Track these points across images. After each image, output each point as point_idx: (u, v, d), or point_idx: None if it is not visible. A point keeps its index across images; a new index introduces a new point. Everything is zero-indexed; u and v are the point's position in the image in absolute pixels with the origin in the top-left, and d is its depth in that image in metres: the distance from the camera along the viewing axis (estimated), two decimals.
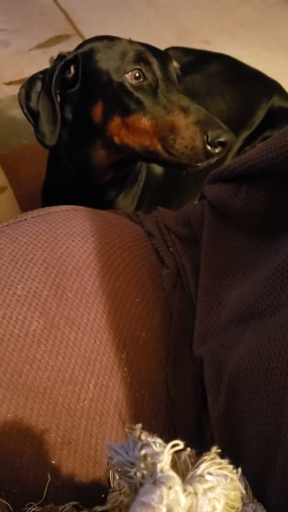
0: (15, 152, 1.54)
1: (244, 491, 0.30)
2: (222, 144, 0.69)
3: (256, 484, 0.42)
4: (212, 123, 0.69)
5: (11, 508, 0.48)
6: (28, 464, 0.50)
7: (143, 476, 0.30)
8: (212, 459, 0.29)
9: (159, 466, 0.27)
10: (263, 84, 1.20)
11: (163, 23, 2.02)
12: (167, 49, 1.31)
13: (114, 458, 0.32)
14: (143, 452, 0.29)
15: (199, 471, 0.28)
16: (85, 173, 0.85)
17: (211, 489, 0.27)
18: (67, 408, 0.53)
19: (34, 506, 0.48)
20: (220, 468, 0.29)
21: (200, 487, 0.27)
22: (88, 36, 0.89)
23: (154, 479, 0.27)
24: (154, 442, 0.30)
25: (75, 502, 0.49)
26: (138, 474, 0.30)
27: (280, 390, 0.39)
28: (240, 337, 0.50)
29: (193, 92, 1.09)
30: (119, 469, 0.31)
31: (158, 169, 0.99)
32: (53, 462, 0.51)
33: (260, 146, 0.48)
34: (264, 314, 0.45)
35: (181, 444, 0.28)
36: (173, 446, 0.28)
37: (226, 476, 0.28)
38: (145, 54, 0.77)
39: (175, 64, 0.82)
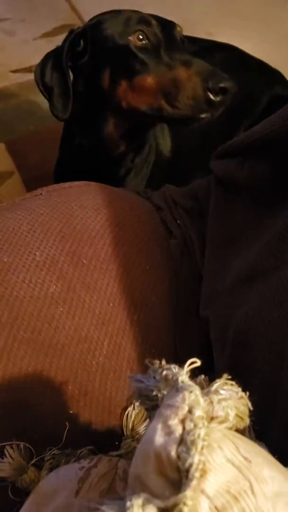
0: (22, 138, 1.57)
1: (251, 408, 0.34)
2: (222, 90, 0.71)
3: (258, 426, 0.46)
4: (213, 71, 0.72)
5: (33, 451, 0.52)
6: (48, 412, 0.54)
7: (163, 397, 0.34)
8: (224, 381, 0.33)
9: (180, 378, 0.31)
10: (265, 73, 1.23)
11: (167, 14, 2.05)
12: None
13: (136, 386, 0.36)
14: (164, 373, 0.33)
15: (213, 387, 0.32)
16: (98, 146, 0.89)
17: (224, 399, 0.31)
18: (83, 363, 0.57)
19: (54, 450, 0.52)
20: (231, 386, 0.33)
21: (215, 397, 0.31)
22: None
23: (177, 388, 0.31)
24: (174, 367, 0.34)
25: (91, 447, 0.53)
26: (160, 395, 0.34)
27: (281, 336, 0.43)
28: (245, 296, 0.54)
29: None
30: (142, 395, 0.35)
31: (167, 151, 1.03)
32: (71, 411, 0.55)
33: (265, 121, 0.52)
34: (267, 273, 0.49)
35: (198, 362, 0.32)
36: (191, 363, 0.32)
37: (236, 393, 0.33)
38: (147, 17, 0.81)
39: (178, 28, 0.85)
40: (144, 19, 0.80)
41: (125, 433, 0.55)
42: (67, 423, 0.54)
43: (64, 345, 0.57)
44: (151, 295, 0.63)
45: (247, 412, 0.33)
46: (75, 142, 0.92)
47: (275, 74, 1.25)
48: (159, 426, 0.29)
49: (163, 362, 0.36)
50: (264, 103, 1.17)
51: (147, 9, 2.07)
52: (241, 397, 0.33)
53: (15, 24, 2.02)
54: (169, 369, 0.34)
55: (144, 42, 0.79)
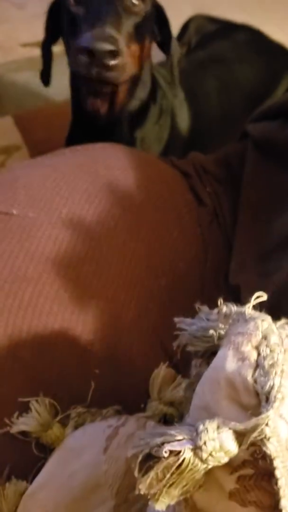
0: (30, 113, 1.54)
1: None
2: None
3: None
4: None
5: (58, 408, 0.50)
6: (73, 371, 0.53)
7: (220, 337, 0.32)
8: (286, 321, 0.32)
9: (246, 311, 0.30)
10: (286, 56, 1.22)
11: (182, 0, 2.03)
12: (193, 17, 1.33)
13: (187, 328, 0.34)
14: (224, 309, 0.32)
15: (278, 323, 0.31)
16: (86, 112, 0.86)
17: None
18: (109, 324, 0.55)
19: (79, 408, 0.51)
20: None
21: (284, 332, 0.29)
22: None
23: (245, 318, 0.30)
24: (232, 304, 0.33)
25: (118, 407, 0.52)
26: (216, 334, 0.32)
27: None
28: (280, 263, 0.53)
29: (222, 58, 1.11)
30: (196, 337, 0.34)
31: (184, 130, 1.00)
32: (97, 371, 0.53)
33: None
34: None
35: (265, 295, 0.31)
36: (257, 297, 0.31)
37: None
38: None
39: None
40: None
41: (151, 395, 0.54)
42: (92, 383, 0.52)
43: (91, 305, 0.55)
44: (179, 262, 0.62)
45: None
46: (78, 111, 0.90)
47: None
48: (230, 353, 0.28)
49: (221, 300, 0.34)
50: (285, 85, 1.16)
51: None
52: None
53: None
54: (228, 306, 0.33)
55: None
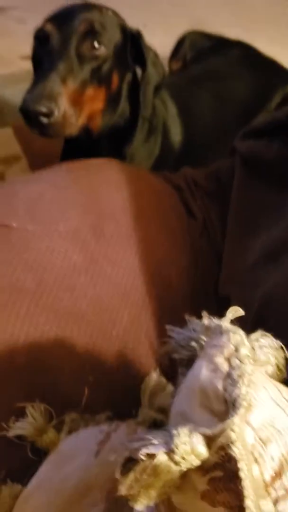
0: None
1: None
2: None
3: None
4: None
5: (53, 413, 0.52)
6: (68, 378, 0.55)
7: (202, 347, 0.34)
8: (262, 332, 0.34)
9: (223, 324, 0.33)
10: (279, 71, 1.26)
11: (177, 12, 2.07)
12: (188, 33, 1.36)
13: (176, 337, 0.37)
14: (206, 322, 0.34)
15: (253, 337, 0.33)
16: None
17: (265, 346, 0.32)
18: (103, 332, 0.58)
19: (73, 414, 0.53)
20: (269, 338, 0.34)
21: (256, 344, 0.32)
22: None
23: (221, 331, 0.32)
24: (214, 318, 0.35)
25: (110, 413, 0.54)
26: (198, 345, 0.34)
27: None
28: (267, 274, 0.55)
29: (216, 73, 1.14)
30: (181, 345, 0.36)
31: (176, 143, 1.03)
32: (90, 379, 0.55)
33: None
34: None
35: (241, 310, 0.33)
36: (233, 311, 0.33)
37: (275, 343, 0.34)
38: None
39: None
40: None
41: (142, 402, 0.56)
42: (86, 390, 0.54)
43: (85, 314, 0.58)
44: (171, 272, 0.64)
45: (283, 363, 0.34)
46: None
47: (287, 73, 1.27)
48: (205, 364, 0.30)
49: (204, 313, 0.37)
50: (277, 99, 1.19)
51: (157, 9, 2.09)
52: (279, 348, 0.34)
53: (25, 12, 2.02)
54: (210, 319, 0.35)
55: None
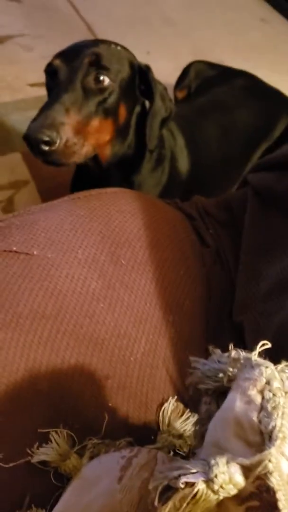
0: None
1: None
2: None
3: None
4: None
5: (75, 438, 0.53)
6: (89, 404, 0.56)
7: (229, 379, 0.36)
8: (286, 364, 0.36)
9: (253, 357, 0.34)
10: (282, 101, 1.30)
11: (180, 41, 2.13)
12: (193, 62, 1.41)
13: (200, 367, 0.38)
14: (233, 354, 0.36)
15: (279, 367, 0.35)
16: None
17: None
18: (122, 358, 0.59)
19: (94, 440, 0.54)
20: None
21: (284, 375, 0.34)
22: None
23: (251, 365, 0.34)
24: (241, 350, 0.37)
25: (130, 439, 0.55)
26: (225, 377, 0.36)
27: None
28: (283, 303, 0.57)
29: (222, 103, 1.18)
30: (207, 376, 0.38)
31: (184, 173, 1.06)
32: (110, 404, 0.57)
33: None
34: None
35: (268, 344, 0.35)
36: (262, 345, 0.35)
37: None
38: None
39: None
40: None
41: (161, 428, 0.57)
42: (106, 415, 0.56)
43: (104, 340, 0.59)
44: (185, 299, 0.66)
45: None
46: None
47: None
48: (239, 396, 0.32)
49: (231, 345, 0.38)
50: (281, 128, 1.23)
51: (158, 35, 2.15)
52: None
53: (33, 40, 2.07)
54: (237, 352, 0.37)
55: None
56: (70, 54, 0.83)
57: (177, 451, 0.55)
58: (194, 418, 0.56)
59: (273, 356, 0.56)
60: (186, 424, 0.56)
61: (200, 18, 2.26)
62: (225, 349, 0.66)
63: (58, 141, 0.75)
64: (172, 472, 0.31)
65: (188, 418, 0.57)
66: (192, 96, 1.31)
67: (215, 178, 1.11)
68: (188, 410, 0.58)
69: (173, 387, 0.60)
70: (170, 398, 0.58)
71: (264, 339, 0.58)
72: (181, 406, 0.58)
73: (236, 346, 0.65)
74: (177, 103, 1.33)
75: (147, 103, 0.94)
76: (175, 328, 0.63)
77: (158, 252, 0.68)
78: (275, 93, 1.31)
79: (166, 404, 0.58)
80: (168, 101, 0.92)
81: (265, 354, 0.57)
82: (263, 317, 0.59)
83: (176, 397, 0.59)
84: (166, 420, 0.57)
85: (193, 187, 1.07)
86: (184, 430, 0.56)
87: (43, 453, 0.51)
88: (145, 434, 0.57)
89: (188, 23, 2.23)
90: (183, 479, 0.30)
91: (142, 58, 2.15)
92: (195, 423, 0.45)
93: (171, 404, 0.58)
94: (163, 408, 0.58)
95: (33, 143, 0.75)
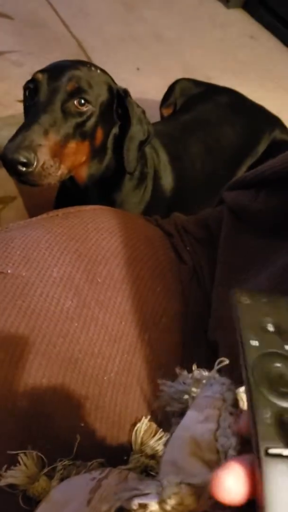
0: None
1: None
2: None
3: None
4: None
5: (45, 460, 0.53)
6: (60, 424, 0.55)
7: (193, 399, 0.36)
8: None
9: (212, 376, 0.34)
10: (266, 117, 1.31)
11: (169, 57, 2.16)
12: (179, 80, 1.43)
13: (166, 390, 0.38)
14: (196, 375, 0.36)
15: (242, 389, 0.35)
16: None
17: None
18: (95, 378, 0.59)
19: (65, 461, 0.53)
20: None
21: (242, 394, 0.33)
22: (98, 63, 0.97)
23: (210, 383, 0.34)
24: (203, 370, 0.37)
25: (102, 460, 0.54)
26: (189, 398, 0.36)
27: None
28: None
29: (206, 120, 1.19)
30: (173, 398, 0.38)
31: (168, 190, 1.06)
32: (82, 424, 0.56)
33: (280, 156, 0.56)
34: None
35: (226, 360, 0.35)
36: (220, 362, 0.35)
37: None
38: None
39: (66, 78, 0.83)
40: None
41: (133, 448, 0.57)
42: (78, 436, 0.55)
43: (78, 359, 0.59)
44: (162, 317, 0.66)
45: None
46: None
47: (274, 118, 1.33)
48: (196, 414, 0.31)
49: (194, 366, 0.38)
50: (265, 145, 1.24)
51: (148, 52, 2.18)
52: None
53: (24, 56, 2.09)
54: (199, 372, 0.37)
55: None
56: (51, 75, 0.84)
57: (149, 471, 0.55)
58: (166, 438, 0.55)
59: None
60: (158, 444, 0.56)
61: (190, 36, 2.30)
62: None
63: (35, 163, 0.76)
64: (125, 493, 0.31)
65: (161, 438, 0.57)
66: (177, 113, 1.32)
67: (199, 195, 1.12)
68: (161, 430, 0.57)
69: (147, 407, 0.59)
70: (143, 417, 0.58)
71: (236, 355, 0.58)
72: (154, 426, 0.58)
73: (211, 363, 0.65)
74: (161, 120, 1.35)
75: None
76: (151, 346, 0.63)
77: (134, 270, 0.68)
78: (259, 110, 1.33)
79: (139, 424, 0.58)
80: (146, 124, 0.93)
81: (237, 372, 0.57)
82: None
83: (149, 416, 0.58)
84: (139, 440, 0.57)
85: (177, 204, 1.07)
86: (157, 451, 0.55)
87: (12, 476, 0.50)
88: (117, 454, 0.56)
89: (178, 40, 2.26)
90: (136, 501, 0.30)
91: (132, 74, 2.17)
92: (165, 444, 0.45)
93: (144, 424, 0.57)
94: (136, 428, 0.57)
95: (9, 164, 0.75)
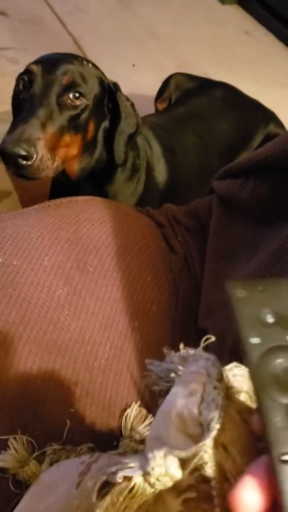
0: None
1: None
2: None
3: None
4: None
5: (35, 445, 0.53)
6: (50, 410, 0.56)
7: (179, 377, 0.36)
8: (236, 364, 0.36)
9: (197, 353, 0.35)
10: (261, 111, 1.32)
11: (165, 54, 2.17)
12: (174, 74, 1.43)
13: (154, 369, 0.39)
14: (182, 353, 0.36)
15: (228, 367, 0.35)
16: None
17: (238, 375, 0.34)
18: (86, 364, 0.59)
19: (55, 446, 0.54)
20: (242, 369, 0.36)
21: (230, 372, 0.34)
22: (93, 60, 0.98)
23: (196, 359, 0.34)
24: (189, 348, 0.37)
25: (91, 444, 0.55)
26: (176, 376, 0.36)
27: None
28: None
29: (200, 114, 1.19)
30: (159, 377, 0.38)
31: (161, 183, 1.07)
32: (72, 410, 0.57)
33: (267, 144, 0.57)
34: None
35: (212, 337, 0.35)
36: (206, 339, 0.36)
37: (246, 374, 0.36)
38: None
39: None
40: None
41: (123, 434, 0.57)
42: (68, 421, 0.56)
43: (68, 346, 0.60)
44: (152, 305, 0.67)
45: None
46: None
47: (269, 113, 1.33)
48: (181, 389, 0.32)
49: (181, 345, 0.39)
50: (260, 139, 1.25)
51: (144, 48, 2.18)
52: None
53: (19, 53, 2.10)
54: (186, 350, 0.37)
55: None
56: (46, 67, 0.84)
57: None
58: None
59: (236, 357, 0.57)
60: (148, 429, 0.56)
61: (185, 32, 2.30)
62: None
63: (35, 156, 0.76)
64: (110, 467, 0.31)
65: (150, 423, 0.57)
66: (171, 106, 1.33)
67: (193, 187, 1.12)
68: (151, 415, 0.58)
69: (137, 393, 0.60)
70: (133, 403, 0.59)
71: (226, 343, 0.59)
72: (143, 411, 0.58)
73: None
74: (155, 113, 1.35)
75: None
76: (141, 333, 0.64)
77: (125, 259, 0.69)
78: (253, 104, 1.33)
79: (129, 410, 0.58)
80: (135, 116, 0.94)
81: (226, 357, 0.57)
82: (226, 322, 0.60)
83: (139, 402, 0.59)
84: (129, 425, 0.57)
85: (171, 196, 1.07)
86: (146, 435, 0.56)
87: (1, 460, 0.50)
88: (107, 440, 0.57)
89: (173, 37, 2.26)
90: (121, 474, 0.30)
91: (128, 70, 2.17)
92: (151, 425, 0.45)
93: (134, 410, 0.58)
94: (126, 414, 0.58)
95: (9, 157, 0.76)
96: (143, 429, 0.57)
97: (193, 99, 1.26)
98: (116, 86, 0.91)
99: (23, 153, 0.75)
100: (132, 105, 0.93)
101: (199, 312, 0.65)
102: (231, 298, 0.32)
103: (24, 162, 0.76)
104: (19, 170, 0.78)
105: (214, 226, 0.66)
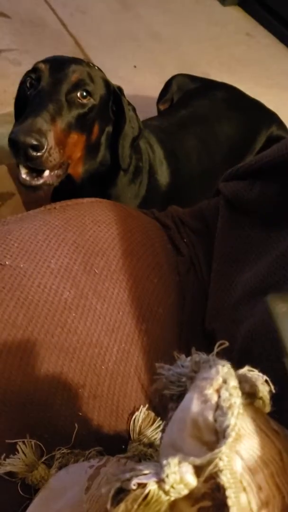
0: None
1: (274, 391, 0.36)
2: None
3: None
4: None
5: (43, 448, 0.53)
6: (58, 413, 0.56)
7: (192, 382, 0.36)
8: (248, 368, 0.36)
9: (211, 358, 0.34)
10: (263, 113, 1.31)
11: (166, 55, 2.16)
12: (175, 76, 1.43)
13: (164, 373, 0.38)
14: (194, 357, 0.36)
15: (240, 371, 0.35)
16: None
17: (251, 380, 0.34)
18: (93, 367, 0.59)
19: (63, 449, 0.54)
20: (255, 373, 0.35)
21: (244, 378, 0.34)
22: (95, 61, 0.98)
23: (210, 364, 0.34)
24: (202, 353, 0.37)
25: (100, 448, 0.55)
26: (188, 381, 0.36)
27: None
28: (251, 311, 0.57)
29: (202, 115, 1.19)
30: (171, 381, 0.38)
31: (164, 185, 1.07)
32: (80, 414, 0.56)
33: (275, 146, 0.56)
34: (278, 284, 0.53)
35: (226, 343, 0.35)
36: (220, 345, 0.35)
37: (261, 377, 0.35)
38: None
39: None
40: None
41: (132, 437, 0.57)
42: (76, 425, 0.55)
43: (76, 349, 0.59)
44: (159, 307, 0.66)
45: (268, 397, 0.36)
46: None
47: (272, 115, 1.33)
48: (196, 396, 0.32)
49: (193, 349, 0.39)
50: (262, 141, 1.24)
51: (145, 50, 2.18)
52: (265, 382, 0.35)
53: (21, 55, 2.10)
54: (198, 355, 0.37)
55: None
56: (53, 66, 0.85)
57: (148, 459, 0.55)
58: (163, 426, 0.56)
59: (243, 361, 0.57)
60: (156, 432, 0.56)
61: (186, 34, 2.30)
62: None
63: (45, 146, 0.76)
64: (124, 474, 0.31)
65: (159, 426, 0.57)
66: (173, 108, 1.32)
67: (196, 189, 1.12)
68: (159, 418, 0.57)
69: (145, 396, 0.60)
70: (141, 406, 0.58)
71: (234, 346, 0.58)
72: (152, 414, 0.58)
73: (208, 353, 0.65)
74: (157, 116, 1.35)
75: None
76: (148, 336, 0.64)
77: (132, 261, 0.69)
78: (256, 105, 1.33)
79: (137, 413, 0.58)
80: (136, 120, 0.95)
81: (233, 361, 0.57)
82: (234, 325, 0.60)
83: (147, 405, 0.59)
84: (137, 428, 0.57)
85: (174, 199, 1.07)
86: (155, 439, 0.56)
87: (10, 464, 0.50)
88: (115, 443, 0.56)
89: (174, 38, 2.26)
90: (135, 480, 0.30)
91: (129, 72, 2.18)
92: (162, 430, 0.45)
93: (142, 413, 0.58)
94: (134, 417, 0.58)
95: (20, 147, 0.76)
96: (151, 432, 0.57)
97: (195, 101, 1.26)
98: (120, 90, 0.92)
99: (35, 142, 0.75)
100: (134, 109, 0.94)
101: (206, 314, 0.65)
102: (273, 314, 0.31)
103: (34, 153, 0.76)
104: (28, 162, 0.78)
105: (221, 227, 0.65)
